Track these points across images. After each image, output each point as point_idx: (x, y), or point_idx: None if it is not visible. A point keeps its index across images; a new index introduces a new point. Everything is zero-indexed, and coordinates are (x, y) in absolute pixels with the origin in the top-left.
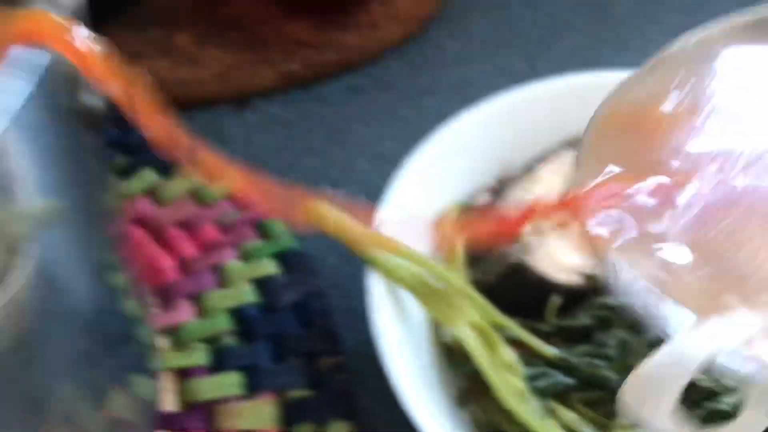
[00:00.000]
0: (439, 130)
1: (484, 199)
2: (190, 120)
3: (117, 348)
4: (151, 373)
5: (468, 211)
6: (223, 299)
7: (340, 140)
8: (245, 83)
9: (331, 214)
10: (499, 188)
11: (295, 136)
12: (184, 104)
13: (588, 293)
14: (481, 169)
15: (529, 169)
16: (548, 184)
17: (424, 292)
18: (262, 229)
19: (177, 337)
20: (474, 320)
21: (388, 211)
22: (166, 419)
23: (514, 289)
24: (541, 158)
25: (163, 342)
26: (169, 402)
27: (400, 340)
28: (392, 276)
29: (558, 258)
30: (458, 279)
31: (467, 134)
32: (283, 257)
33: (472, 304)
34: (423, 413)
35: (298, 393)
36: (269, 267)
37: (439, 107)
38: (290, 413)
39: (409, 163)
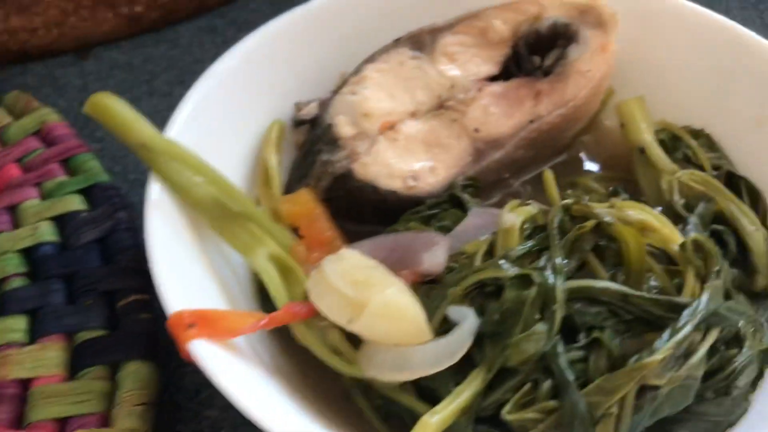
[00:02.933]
0: (250, 38)
1: (312, 108)
2: (26, 73)
3: None
4: None
5: (298, 123)
6: (13, 240)
7: (187, 81)
8: (86, 30)
9: (118, 109)
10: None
11: (138, 80)
12: (20, 56)
13: (423, 198)
14: (307, 78)
15: (357, 70)
16: (376, 82)
17: (219, 216)
18: (70, 165)
19: None
20: (273, 250)
21: (186, 120)
22: None
23: (347, 200)
24: (369, 59)
25: None
26: None
27: (180, 267)
28: (183, 194)
29: (390, 164)
30: (254, 207)
31: (286, 42)
32: (90, 192)
33: (272, 233)
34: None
35: (90, 334)
36: (72, 203)
37: None
38: (79, 356)
39: (215, 75)
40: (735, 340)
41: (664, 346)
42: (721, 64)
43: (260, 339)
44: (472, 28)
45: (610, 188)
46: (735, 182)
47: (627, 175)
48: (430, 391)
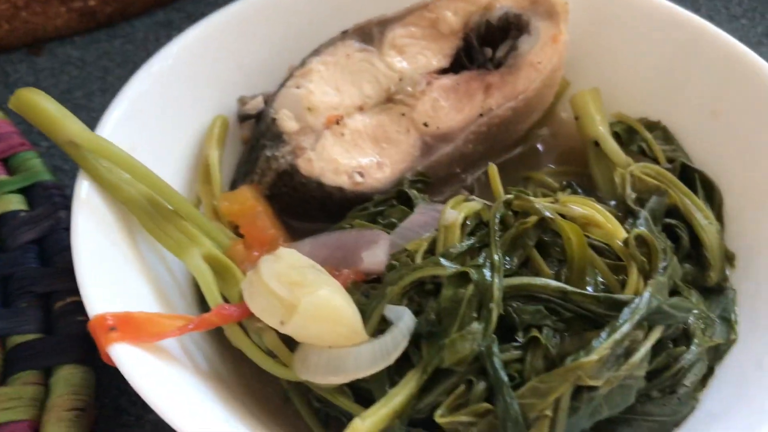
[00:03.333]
0: (192, 31)
1: (257, 102)
2: None
3: None
4: None
5: (243, 118)
6: None
7: None
8: (38, 25)
9: (45, 105)
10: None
11: (92, 76)
12: None
13: (371, 194)
14: (253, 72)
15: (302, 63)
16: (321, 76)
17: (152, 215)
18: (10, 164)
19: None
20: (208, 250)
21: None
22: None
23: (292, 196)
24: (315, 51)
25: None
26: None
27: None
28: (114, 192)
29: (336, 159)
30: (189, 205)
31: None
32: (31, 192)
33: (208, 231)
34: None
35: (23, 338)
36: (10, 203)
37: None
38: (11, 361)
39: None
40: (683, 337)
41: (601, 345)
42: (678, 55)
43: (196, 342)
44: (422, 20)
45: (564, 182)
46: (690, 175)
47: (583, 169)
48: (367, 393)
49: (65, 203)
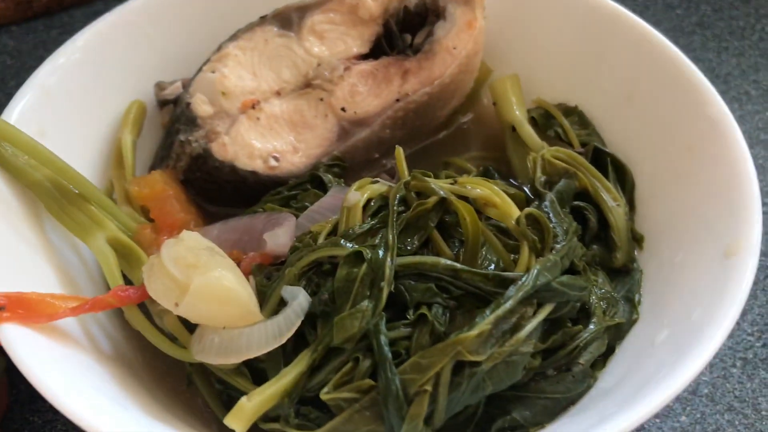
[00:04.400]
0: (108, 16)
1: (175, 87)
2: None
3: None
4: None
5: (162, 103)
6: None
7: None
8: None
9: None
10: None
11: (27, 65)
12: None
13: (286, 178)
14: (174, 58)
15: (218, 48)
16: (237, 60)
17: (56, 199)
18: None
19: None
20: (112, 233)
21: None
22: None
23: (207, 181)
24: (232, 37)
25: None
26: None
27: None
28: (18, 177)
29: (250, 144)
30: (95, 188)
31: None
32: None
33: (114, 215)
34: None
35: None
36: None
37: None
38: None
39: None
40: (583, 317)
41: (484, 321)
42: (595, 41)
43: (101, 325)
44: (341, 6)
45: (481, 167)
46: (602, 158)
47: (503, 154)
48: (264, 373)
49: None
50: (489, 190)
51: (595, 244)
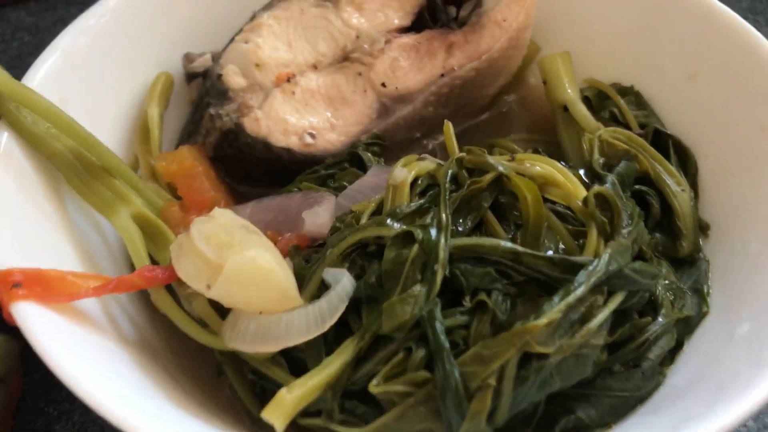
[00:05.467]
0: None
1: (205, 59)
2: None
3: None
4: None
5: (190, 77)
6: None
7: None
8: None
9: None
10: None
11: (44, 42)
12: None
13: (322, 157)
14: (204, 28)
15: (252, 18)
16: (272, 31)
17: (78, 171)
18: None
19: None
20: (138, 210)
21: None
22: None
23: (238, 158)
24: (267, 5)
25: None
26: None
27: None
28: (38, 146)
29: (285, 119)
30: (120, 162)
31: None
32: None
33: (140, 191)
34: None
35: None
36: None
37: None
38: None
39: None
40: (650, 309)
41: (553, 309)
42: (653, 16)
43: (121, 307)
44: None
45: (530, 150)
46: (663, 141)
47: (552, 137)
48: (303, 363)
49: None
50: (551, 168)
51: (657, 231)
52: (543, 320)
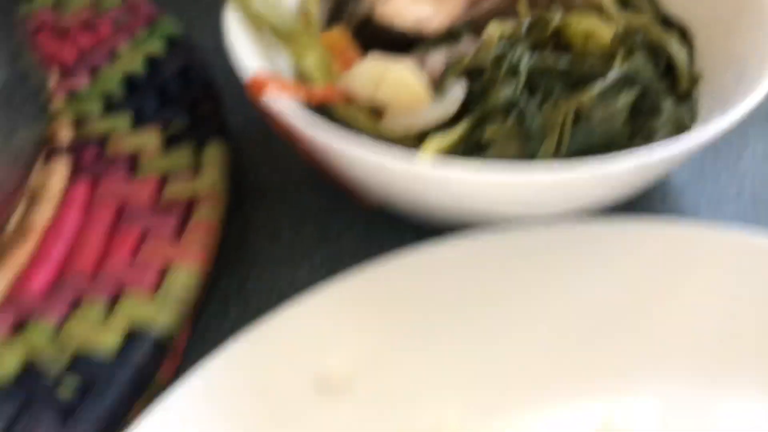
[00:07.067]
0: None
1: None
2: None
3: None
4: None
5: None
6: (114, 70)
7: None
8: None
9: None
10: None
11: None
12: None
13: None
14: None
15: None
16: None
17: (283, 32)
18: (152, 26)
19: (76, 96)
20: (319, 57)
21: None
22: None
23: (370, 39)
24: None
25: (60, 101)
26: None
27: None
28: (256, 18)
29: (403, 9)
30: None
31: None
32: (170, 42)
33: (316, 48)
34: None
35: (178, 125)
36: (156, 47)
37: None
38: (170, 140)
39: None
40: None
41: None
42: None
43: None
44: None
45: None
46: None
47: None
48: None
49: (195, 49)
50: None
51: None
52: (587, 95)
